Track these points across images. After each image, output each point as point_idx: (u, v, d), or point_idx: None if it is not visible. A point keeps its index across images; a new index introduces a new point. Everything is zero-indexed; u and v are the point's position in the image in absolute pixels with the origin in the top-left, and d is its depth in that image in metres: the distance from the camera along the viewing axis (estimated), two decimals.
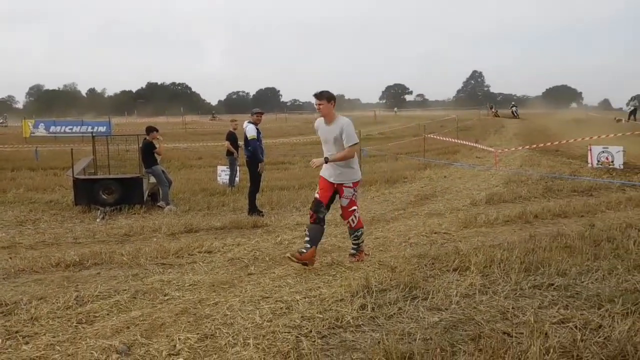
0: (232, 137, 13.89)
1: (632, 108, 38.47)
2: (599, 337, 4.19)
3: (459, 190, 12.60)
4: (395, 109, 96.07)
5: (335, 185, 6.62)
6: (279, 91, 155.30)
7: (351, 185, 6.56)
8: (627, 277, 5.67)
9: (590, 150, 15.65)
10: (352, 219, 6.58)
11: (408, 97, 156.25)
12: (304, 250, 6.37)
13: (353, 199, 6.59)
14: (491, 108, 58.71)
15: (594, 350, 3.93)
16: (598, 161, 15.29)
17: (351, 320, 4.67)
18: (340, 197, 6.63)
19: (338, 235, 8.30)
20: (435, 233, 8.27)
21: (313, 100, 6.60)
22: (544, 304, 5.00)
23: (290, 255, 6.41)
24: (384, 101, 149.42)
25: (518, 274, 5.77)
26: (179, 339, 4.35)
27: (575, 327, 4.41)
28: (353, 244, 6.82)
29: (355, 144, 6.53)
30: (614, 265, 6.03)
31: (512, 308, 4.88)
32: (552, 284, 5.50)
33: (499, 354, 3.82)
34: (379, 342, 4.14)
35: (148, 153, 11.32)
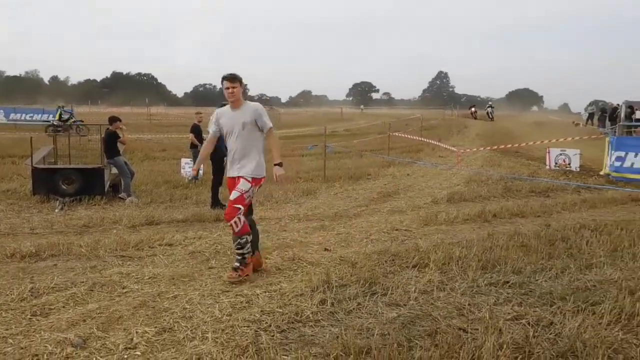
0: (196, 130, 13.73)
1: (590, 113, 39.55)
2: (550, 334, 4.33)
3: (421, 189, 12.76)
4: (362, 106, 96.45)
5: (236, 180, 5.84)
6: (246, 85, 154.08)
7: (250, 180, 5.79)
8: (578, 275, 5.86)
9: (549, 152, 16.06)
10: (235, 221, 5.62)
11: (375, 95, 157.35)
12: (238, 265, 5.75)
13: (245, 195, 5.74)
14: (471, 108, 53.95)
15: (545, 347, 4.05)
16: (556, 163, 15.69)
17: (310, 315, 4.70)
18: (233, 189, 5.82)
19: (300, 230, 8.32)
20: (396, 230, 8.36)
21: (223, 84, 5.81)
22: (499, 300, 5.13)
23: (228, 277, 5.70)
24: (351, 98, 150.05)
25: (475, 272, 5.90)
26: (136, 332, 4.31)
27: (528, 323, 4.54)
28: (237, 254, 5.81)
29: (272, 127, 5.93)
30: (567, 264, 6.22)
31: (469, 304, 4.99)
32: (508, 282, 5.64)
33: (454, 350, 3.90)
34: (337, 337, 4.19)
35: (111, 143, 11.12)
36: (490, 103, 51.31)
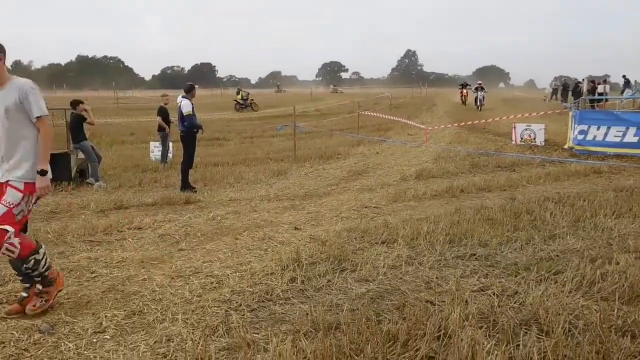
0: (163, 113, 13.57)
1: (554, 88, 40.12)
2: (514, 303, 4.44)
3: (390, 166, 12.86)
4: (332, 86, 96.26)
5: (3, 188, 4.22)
6: (214, 67, 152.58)
7: (21, 186, 4.17)
8: (542, 246, 6.02)
9: (515, 128, 16.31)
10: (7, 248, 4.10)
11: (344, 75, 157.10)
12: (41, 288, 4.43)
13: (14, 210, 4.10)
14: (462, 89, 38.39)
15: (510, 315, 4.16)
16: (521, 138, 15.96)
17: (281, 293, 4.75)
18: None
19: (271, 211, 8.34)
20: (366, 207, 8.44)
21: None
22: (466, 273, 5.24)
23: (30, 309, 4.34)
24: (320, 78, 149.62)
25: (443, 245, 6.01)
26: (105, 316, 4.29)
27: (494, 294, 4.65)
28: (32, 279, 4.38)
29: (46, 115, 4.32)
30: (531, 235, 6.38)
31: (436, 278, 5.09)
32: (474, 254, 5.76)
33: (422, 321, 3.98)
34: (307, 314, 4.24)
35: (78, 127, 10.92)
36: (480, 83, 33.56)
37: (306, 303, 4.54)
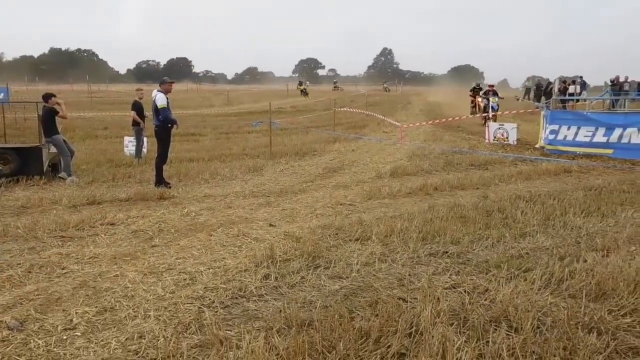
0: (137, 107, 13.41)
1: (527, 88, 40.63)
2: (485, 300, 4.52)
3: (365, 163, 12.93)
4: (307, 82, 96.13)
5: None
6: (190, 61, 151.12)
7: None
8: (513, 244, 6.12)
9: (488, 126, 16.53)
10: None
11: (320, 72, 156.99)
12: None
13: None
14: (475, 96, 25.46)
15: (480, 312, 4.23)
16: (494, 137, 16.19)
17: (254, 290, 4.75)
18: None
19: (246, 207, 8.32)
20: (340, 204, 8.47)
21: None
22: (438, 270, 5.31)
23: None
24: (297, 75, 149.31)
25: (416, 243, 6.07)
26: (76, 312, 4.25)
27: (465, 291, 4.73)
28: None
29: None
30: (503, 233, 6.48)
31: (409, 275, 5.15)
32: (447, 252, 5.84)
33: (394, 318, 4.03)
34: (280, 311, 4.25)
35: (50, 120, 10.72)
36: (492, 86, 23.56)
37: (279, 300, 4.56)
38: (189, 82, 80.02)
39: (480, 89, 25.64)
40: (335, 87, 66.30)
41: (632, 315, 4.23)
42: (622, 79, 30.95)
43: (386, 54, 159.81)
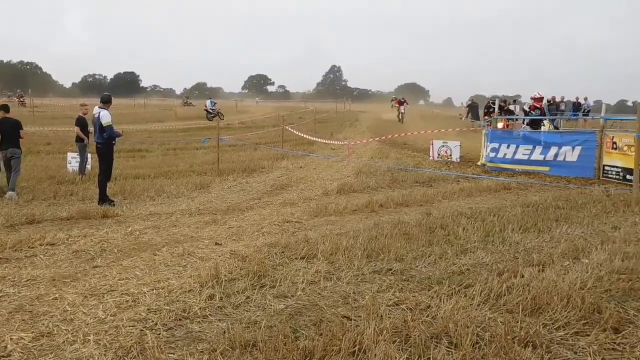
0: (81, 123, 13.11)
1: (468, 106, 41.83)
2: (426, 317, 4.61)
3: (313, 180, 13.02)
4: (257, 99, 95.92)
5: None
6: (138, 75, 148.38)
7: None
8: (455, 260, 6.28)
9: (432, 144, 16.95)
10: None
11: (270, 88, 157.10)
12: None
13: None
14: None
15: (422, 329, 4.31)
16: (438, 154, 16.63)
17: (198, 311, 4.70)
18: None
19: (191, 225, 8.24)
20: (287, 222, 8.50)
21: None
22: (382, 287, 5.38)
23: None
24: (246, 91, 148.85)
25: (361, 260, 6.15)
26: (10, 338, 4.10)
27: (408, 308, 4.81)
28: None
29: None
30: (445, 250, 6.64)
31: (353, 293, 5.21)
32: (391, 269, 5.93)
33: (338, 337, 4.06)
34: (224, 332, 4.22)
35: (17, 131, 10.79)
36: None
37: (224, 321, 4.53)
38: (137, 97, 78.48)
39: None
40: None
41: (565, 329, 4.40)
42: (558, 99, 32.45)
43: (335, 71, 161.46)
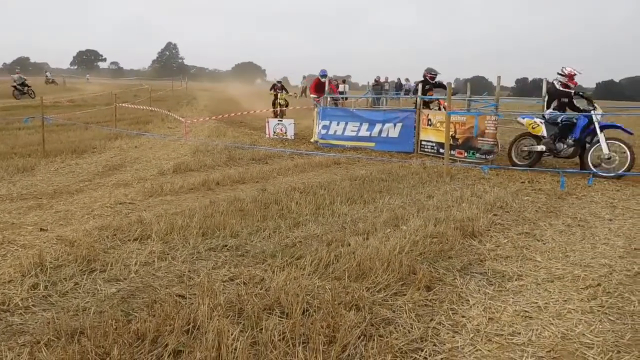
0: None
1: (304, 86, 43.12)
2: (260, 289, 4.79)
3: (148, 160, 12.63)
4: (88, 76, 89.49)
5: None
6: None
7: None
8: (288, 234, 6.55)
9: (268, 122, 17.28)
10: None
11: (102, 65, 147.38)
12: None
13: None
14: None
15: (255, 302, 4.47)
16: (274, 132, 17.02)
17: (20, 302, 4.43)
18: None
19: (13, 211, 7.62)
20: (120, 204, 8.20)
21: None
22: (218, 264, 5.47)
23: None
24: (76, 67, 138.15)
25: (196, 239, 6.17)
26: None
27: (242, 282, 4.96)
28: None
29: None
30: (279, 224, 6.89)
31: (189, 271, 5.23)
32: (226, 245, 6.03)
33: (171, 317, 4.07)
34: (49, 322, 4.03)
35: None
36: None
37: (49, 310, 4.31)
38: None
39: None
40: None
41: (386, 291, 4.84)
42: (382, 80, 34.79)
43: (171, 48, 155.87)
